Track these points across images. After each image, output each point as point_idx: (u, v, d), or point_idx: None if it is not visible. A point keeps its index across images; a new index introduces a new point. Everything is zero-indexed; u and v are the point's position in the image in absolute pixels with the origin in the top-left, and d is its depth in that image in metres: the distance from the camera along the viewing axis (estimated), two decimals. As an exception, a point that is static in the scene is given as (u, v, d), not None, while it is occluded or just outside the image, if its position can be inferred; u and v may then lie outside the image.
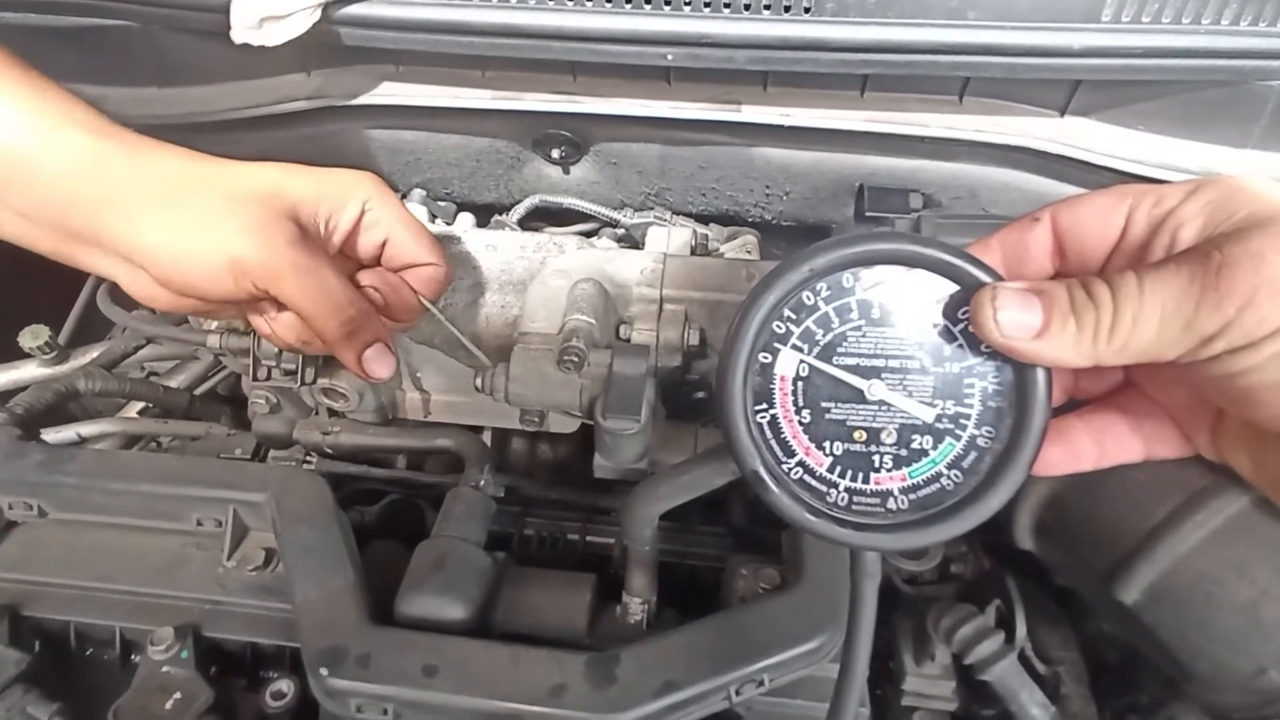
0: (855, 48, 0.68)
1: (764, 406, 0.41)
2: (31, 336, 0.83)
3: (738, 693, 0.54)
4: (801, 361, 0.41)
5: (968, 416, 0.40)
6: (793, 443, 0.41)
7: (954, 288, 0.39)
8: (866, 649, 0.44)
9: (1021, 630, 0.58)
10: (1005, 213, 0.80)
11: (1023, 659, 0.60)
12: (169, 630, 0.60)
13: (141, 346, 0.85)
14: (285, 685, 0.59)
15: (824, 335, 0.41)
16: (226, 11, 0.69)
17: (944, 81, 0.73)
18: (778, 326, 0.40)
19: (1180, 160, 0.73)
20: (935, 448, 0.40)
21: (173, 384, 0.89)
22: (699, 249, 0.77)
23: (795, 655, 0.55)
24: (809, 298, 0.40)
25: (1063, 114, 0.74)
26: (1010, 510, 0.57)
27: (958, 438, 0.40)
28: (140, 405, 0.93)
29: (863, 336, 0.41)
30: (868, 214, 0.75)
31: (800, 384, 0.41)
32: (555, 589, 0.64)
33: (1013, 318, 0.36)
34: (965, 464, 0.40)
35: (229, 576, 0.64)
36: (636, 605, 0.63)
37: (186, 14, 0.71)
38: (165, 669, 0.59)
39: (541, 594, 0.63)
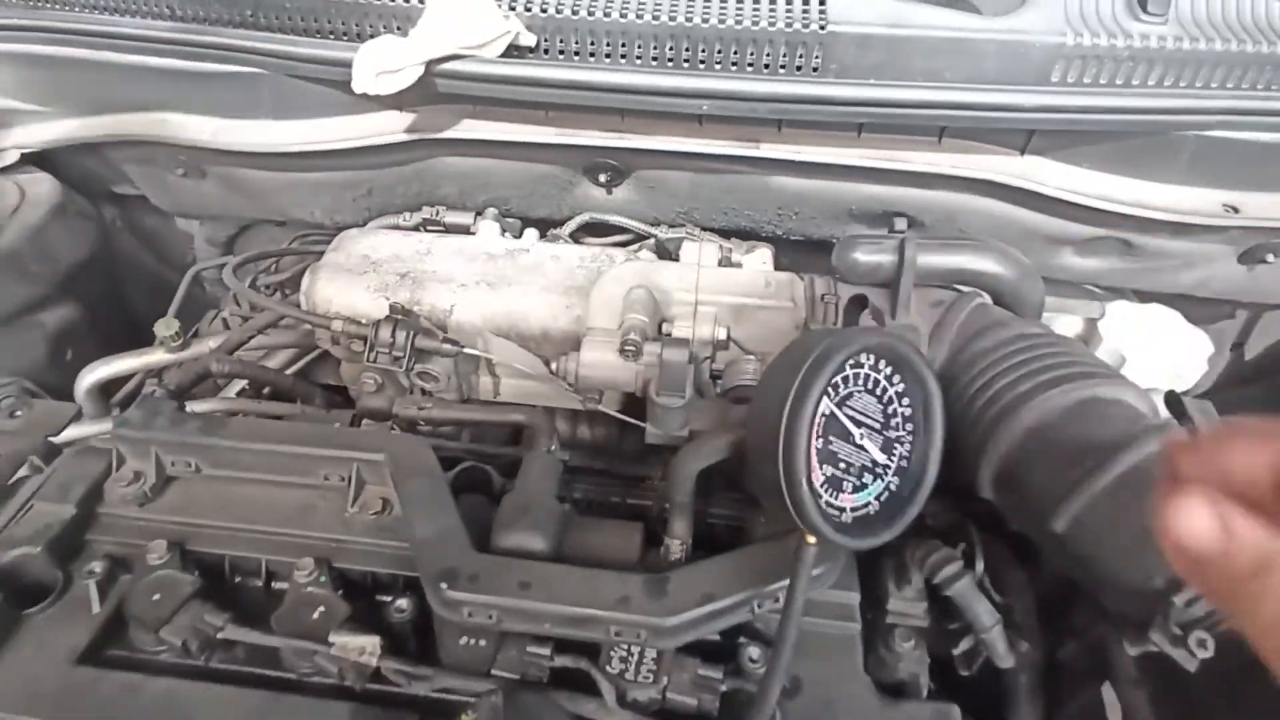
0: (852, 102, 0.85)
1: None
2: (165, 327, 1.00)
3: (759, 606, 0.71)
4: (829, 405, 0.60)
5: (891, 468, 0.63)
6: (811, 468, 0.60)
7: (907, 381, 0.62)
8: (800, 606, 0.63)
9: (979, 564, 0.75)
10: (977, 233, 0.97)
11: (983, 591, 0.77)
12: (310, 560, 0.76)
13: (252, 337, 1.01)
14: (404, 603, 0.75)
15: (843, 389, 0.64)
16: (349, 65, 0.85)
17: (925, 128, 0.90)
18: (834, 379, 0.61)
19: (1116, 193, 0.90)
20: (873, 484, 0.66)
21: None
22: (724, 260, 0.94)
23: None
24: (849, 366, 0.62)
25: (1022, 153, 0.91)
26: (975, 469, 0.74)
27: (881, 480, 0.64)
28: (239, 386, 1.10)
29: (859, 399, 0.65)
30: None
31: (823, 419, 0.63)
32: (612, 532, 0.80)
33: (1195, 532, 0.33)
34: (885, 497, 0.65)
35: (353, 521, 0.80)
36: (676, 546, 0.80)
37: (318, 67, 0.88)
38: (309, 589, 0.76)
39: (601, 536, 0.80)
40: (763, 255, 0.96)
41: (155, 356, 1.03)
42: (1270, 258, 0.98)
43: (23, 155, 1.13)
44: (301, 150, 0.99)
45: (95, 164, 1.18)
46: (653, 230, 1.04)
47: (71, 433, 0.89)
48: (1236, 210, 0.89)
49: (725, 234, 1.05)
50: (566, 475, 0.96)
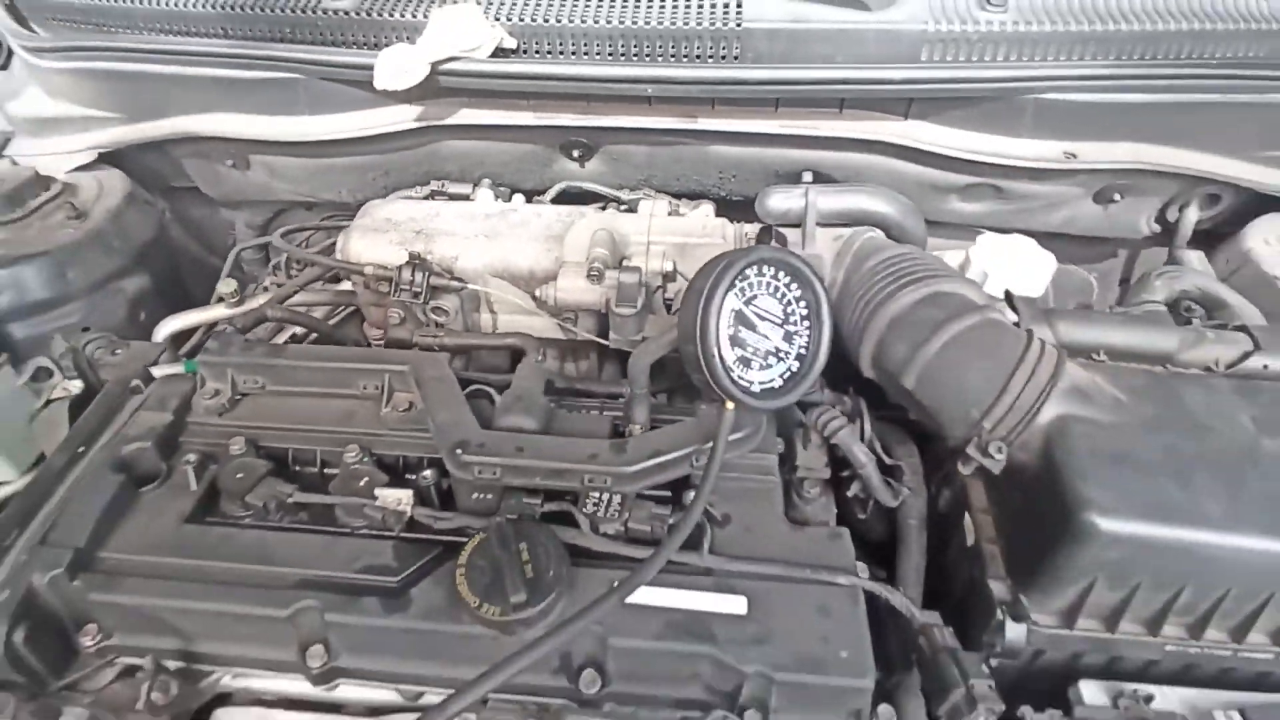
0: (767, 82, 1.08)
1: None
2: (225, 285, 1.23)
3: (696, 460, 0.93)
4: (737, 302, 0.83)
5: (791, 353, 0.84)
6: (722, 348, 0.82)
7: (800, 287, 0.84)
8: (721, 451, 0.84)
9: (866, 425, 0.97)
10: (873, 182, 1.20)
11: (874, 454, 1.00)
12: (355, 446, 0.99)
13: (300, 289, 1.25)
14: (428, 473, 0.98)
15: (749, 292, 0.84)
16: (371, 69, 1.09)
17: (827, 100, 1.13)
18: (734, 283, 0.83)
19: (979, 146, 1.13)
20: (777, 365, 0.88)
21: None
22: (672, 213, 1.17)
23: (733, 439, 0.94)
24: (749, 271, 0.82)
25: (905, 118, 1.15)
26: (858, 355, 0.97)
27: (784, 362, 0.84)
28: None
29: (763, 299, 0.86)
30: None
31: (732, 313, 0.84)
32: (586, 420, 1.03)
33: None
34: (787, 375, 0.86)
35: (386, 418, 1.03)
36: (636, 429, 1.02)
37: (345, 71, 1.12)
38: (355, 467, 0.98)
39: (578, 423, 1.03)
40: (705, 209, 1.20)
41: (218, 310, 1.26)
42: (1117, 196, 1.22)
43: (99, 155, 1.37)
44: (331, 139, 1.23)
45: (155, 161, 1.42)
46: (618, 194, 1.27)
47: (164, 365, 1.12)
48: (1075, 156, 1.12)
49: (678, 196, 1.29)
50: (553, 396, 1.19)
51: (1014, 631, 0.82)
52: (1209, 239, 1.29)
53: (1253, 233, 1.18)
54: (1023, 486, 0.83)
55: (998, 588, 0.85)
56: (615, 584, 0.78)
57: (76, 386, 1.23)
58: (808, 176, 1.13)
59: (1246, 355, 0.91)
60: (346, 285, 1.31)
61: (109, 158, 1.39)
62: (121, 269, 1.30)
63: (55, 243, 1.23)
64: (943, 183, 1.20)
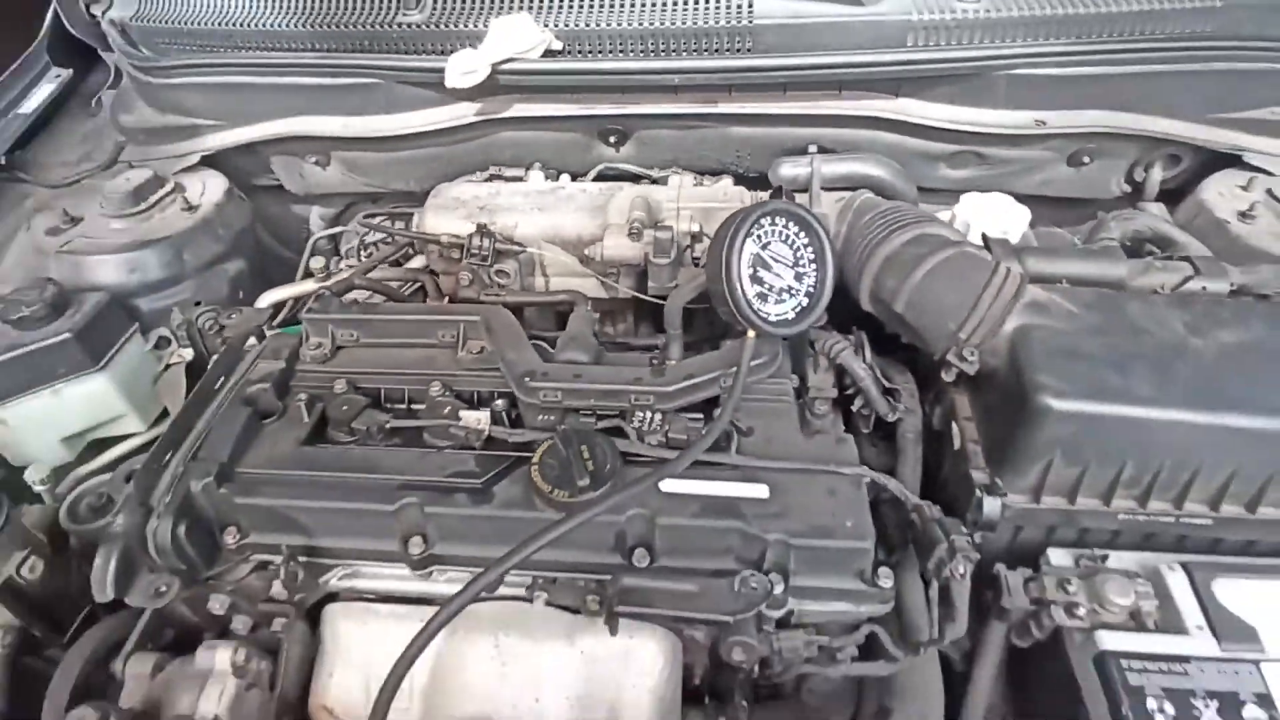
0: (777, 69, 1.27)
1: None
2: (316, 262, 1.45)
3: (723, 383, 1.12)
4: (755, 247, 1.01)
5: (801, 290, 1.00)
6: (744, 284, 1.00)
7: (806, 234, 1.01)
8: (745, 372, 1.03)
9: (866, 351, 1.15)
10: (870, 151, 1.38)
11: (876, 380, 1.17)
12: (438, 383, 1.19)
13: (383, 261, 1.46)
14: (499, 403, 1.18)
15: (764, 239, 1.01)
16: (440, 71, 1.30)
17: (828, 83, 1.32)
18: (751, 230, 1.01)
19: (960, 118, 1.31)
20: (789, 300, 1.03)
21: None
22: (696, 185, 1.37)
23: (754, 365, 1.12)
24: (764, 220, 1.00)
25: (895, 97, 1.33)
26: (858, 291, 1.15)
27: (795, 297, 1.00)
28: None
29: (776, 246, 1.02)
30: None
31: (751, 255, 1.01)
32: (629, 358, 1.22)
33: None
34: (798, 309, 1.01)
35: (462, 361, 1.23)
36: (671, 364, 1.21)
37: (418, 74, 1.33)
38: (438, 399, 1.18)
39: (623, 360, 1.22)
40: (725, 182, 1.39)
41: (309, 285, 1.48)
42: (1087, 159, 1.39)
43: (201, 158, 1.59)
44: (403, 134, 1.44)
45: (245, 162, 1.64)
46: (650, 173, 1.47)
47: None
48: (1044, 123, 1.30)
49: (701, 174, 1.48)
50: (598, 348, 1.39)
51: (990, 506, 0.99)
52: (1175, 197, 1.45)
53: (1208, 186, 1.35)
54: (994, 386, 1.01)
55: (978, 475, 1.02)
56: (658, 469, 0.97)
57: (189, 354, 1.45)
58: (814, 148, 1.32)
59: (1187, 279, 1.08)
60: (413, 264, 1.52)
61: (207, 160, 1.61)
62: (224, 253, 1.52)
63: (173, 230, 1.45)
64: (931, 152, 1.38)
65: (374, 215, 1.58)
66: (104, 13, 1.59)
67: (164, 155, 1.59)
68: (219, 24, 1.49)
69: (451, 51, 1.33)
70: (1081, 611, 0.91)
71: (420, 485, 1.06)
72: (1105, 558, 0.97)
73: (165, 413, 1.43)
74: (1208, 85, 1.29)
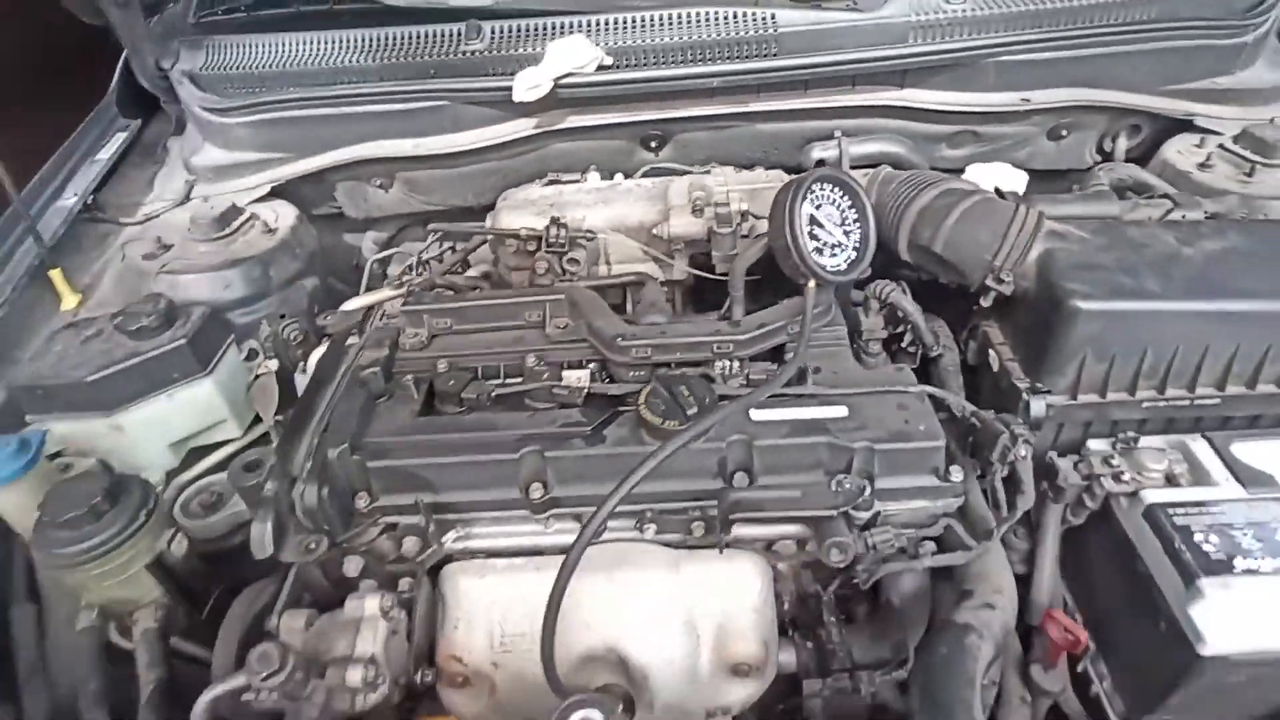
0: (799, 68, 1.48)
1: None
2: (395, 267, 1.59)
3: (791, 329, 1.28)
4: (810, 209, 1.19)
5: (848, 245, 1.19)
6: (804, 240, 1.18)
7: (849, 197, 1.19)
8: (810, 319, 1.19)
9: (908, 294, 1.33)
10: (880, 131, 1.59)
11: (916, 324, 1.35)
12: (532, 355, 1.33)
13: (463, 258, 1.60)
14: (592, 366, 1.31)
15: (816, 201, 1.19)
16: (505, 90, 1.48)
17: (842, 78, 1.53)
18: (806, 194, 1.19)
19: (957, 100, 1.53)
20: (841, 254, 1.21)
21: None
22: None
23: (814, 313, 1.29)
24: (815, 186, 1.19)
25: (901, 87, 1.55)
26: (896, 245, 1.33)
27: (845, 250, 1.19)
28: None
29: (825, 208, 1.20)
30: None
31: (808, 216, 1.19)
32: (698, 318, 1.38)
33: None
34: (849, 260, 1.20)
35: (550, 336, 1.37)
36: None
37: (484, 94, 1.50)
38: (535, 368, 1.32)
39: (695, 320, 1.37)
40: (762, 170, 1.58)
41: (385, 292, 1.61)
42: (1065, 133, 1.62)
43: (272, 189, 1.73)
44: (466, 149, 1.61)
45: (310, 191, 1.79)
46: (691, 169, 1.65)
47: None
48: (1028, 100, 1.52)
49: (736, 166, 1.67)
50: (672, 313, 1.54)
51: (1037, 406, 1.16)
52: (1139, 164, 1.68)
53: (1168, 147, 1.58)
54: (1026, 304, 1.19)
55: (1021, 383, 1.20)
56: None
57: (274, 364, 1.57)
58: (838, 133, 1.52)
59: (1169, 211, 1.29)
60: (471, 272, 1.67)
61: (274, 191, 1.75)
62: (302, 270, 1.65)
63: (257, 250, 1.58)
64: (933, 133, 1.59)
65: (441, 227, 1.73)
66: (173, 65, 1.74)
67: (236, 189, 1.73)
68: (287, 67, 1.66)
69: (510, 74, 1.51)
70: (1126, 477, 1.07)
71: (537, 436, 1.19)
72: (1137, 440, 1.14)
73: (258, 419, 1.53)
74: (1158, 62, 1.53)
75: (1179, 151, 1.56)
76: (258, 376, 1.58)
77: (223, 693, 1.00)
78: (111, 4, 1.61)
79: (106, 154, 1.74)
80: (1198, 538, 0.99)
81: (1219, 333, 1.11)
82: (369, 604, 1.13)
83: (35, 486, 1.20)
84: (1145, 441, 1.15)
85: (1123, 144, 1.64)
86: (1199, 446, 1.10)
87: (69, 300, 1.49)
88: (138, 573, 1.13)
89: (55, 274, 1.47)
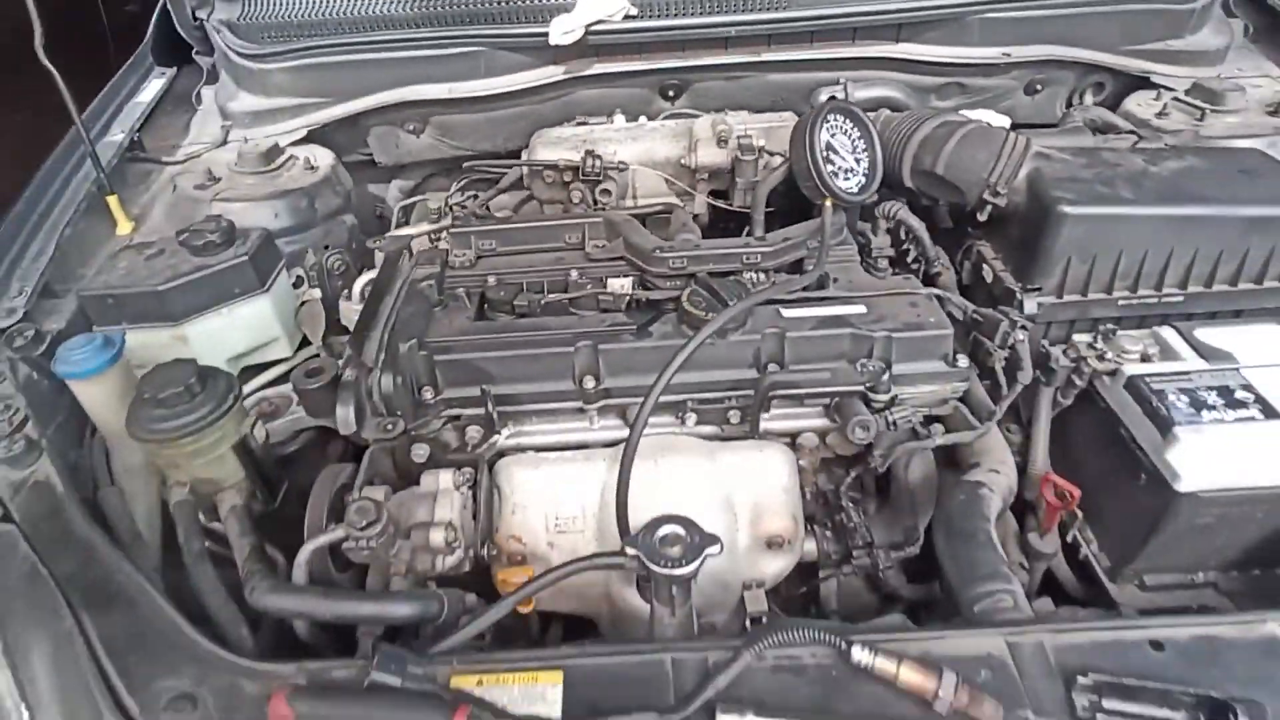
0: (807, 18, 1.64)
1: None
2: (433, 203, 1.69)
3: (810, 244, 1.43)
4: (826, 136, 1.35)
5: (859, 170, 1.36)
6: (822, 163, 1.34)
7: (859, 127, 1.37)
8: (829, 233, 1.36)
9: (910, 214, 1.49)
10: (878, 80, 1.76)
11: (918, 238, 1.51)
12: (574, 270, 1.45)
13: (505, 190, 1.71)
14: (633, 277, 1.45)
15: (831, 128, 1.36)
16: (539, 36, 1.61)
17: (844, 30, 1.70)
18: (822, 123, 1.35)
19: (946, 55, 1.71)
20: (854, 177, 1.39)
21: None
22: (750, 119, 1.71)
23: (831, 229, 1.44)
24: (830, 116, 1.35)
25: (897, 41, 1.72)
26: (900, 171, 1.50)
27: (856, 175, 1.36)
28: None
29: (838, 137, 1.38)
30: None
31: (824, 142, 1.35)
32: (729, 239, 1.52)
33: None
34: (860, 183, 1.37)
35: (588, 254, 1.49)
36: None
37: (519, 40, 1.63)
38: (579, 280, 1.44)
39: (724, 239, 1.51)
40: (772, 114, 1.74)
41: (424, 226, 1.72)
42: (1039, 87, 1.81)
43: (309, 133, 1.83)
44: (497, 93, 1.73)
45: (342, 136, 1.88)
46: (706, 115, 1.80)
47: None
48: (1009, 55, 1.70)
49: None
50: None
51: (1030, 303, 1.33)
52: (1103, 120, 1.89)
53: (1128, 102, 1.77)
54: (1017, 218, 1.36)
55: (1014, 285, 1.36)
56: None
57: (316, 294, 1.66)
58: (843, 78, 1.69)
59: (1136, 143, 1.47)
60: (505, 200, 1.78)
61: (309, 136, 1.85)
62: (342, 206, 1.75)
63: (301, 184, 1.68)
64: (925, 85, 1.77)
65: (473, 169, 1.84)
66: (209, 15, 1.82)
67: (272, 133, 1.82)
68: (324, 14, 1.76)
69: (542, 22, 1.64)
70: (1109, 357, 1.24)
71: (589, 333, 1.31)
72: (1115, 330, 1.31)
73: (306, 341, 1.62)
74: (1120, 23, 1.74)
75: (1139, 104, 1.76)
76: (304, 303, 1.67)
77: (324, 543, 1.10)
78: (155, -47, 1.70)
79: (145, 98, 1.81)
80: (1171, 398, 1.16)
81: (1181, 237, 1.29)
82: (444, 478, 1.25)
83: (116, 382, 1.28)
84: (1123, 332, 1.33)
85: (1089, 99, 1.84)
86: (1167, 333, 1.28)
87: (124, 225, 1.57)
88: (224, 454, 1.22)
89: (113, 200, 1.54)
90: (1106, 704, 0.83)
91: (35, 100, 1.56)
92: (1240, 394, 1.16)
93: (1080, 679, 0.85)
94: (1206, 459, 1.10)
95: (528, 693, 0.90)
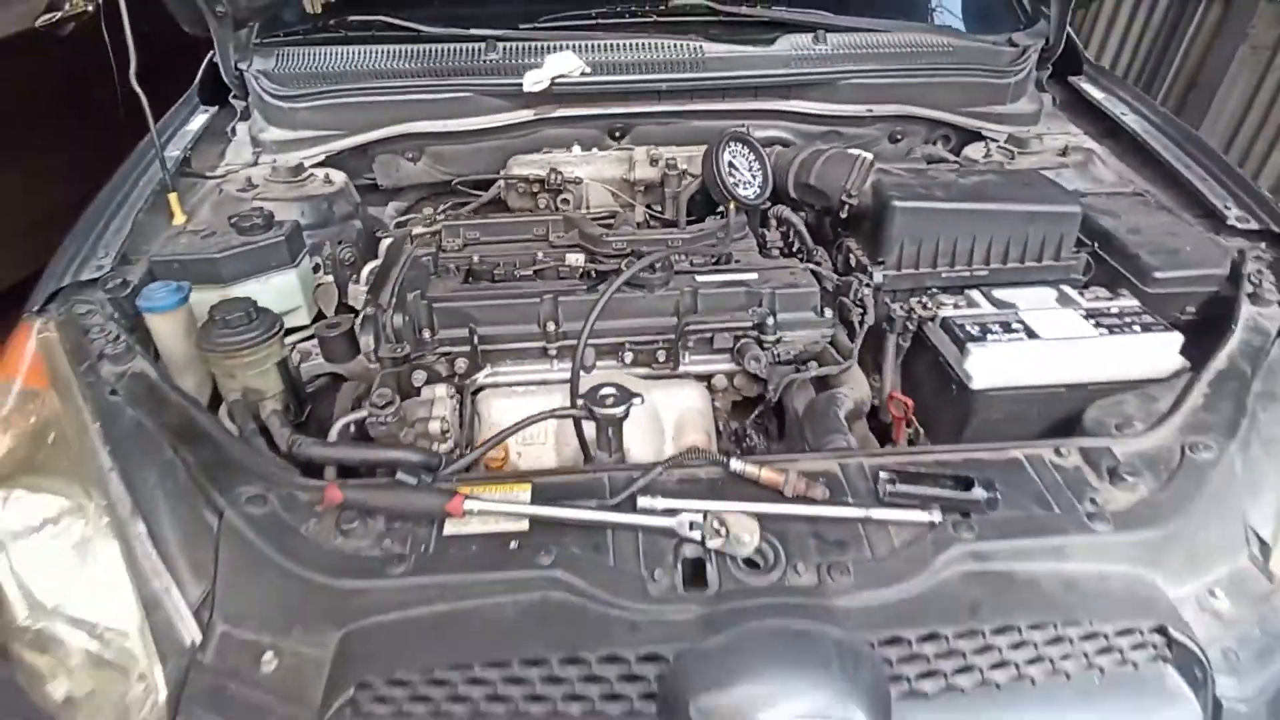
0: (719, 78, 2.18)
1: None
2: (428, 211, 2.14)
3: (718, 236, 1.90)
4: (730, 156, 1.88)
5: (756, 181, 1.86)
6: (726, 175, 1.85)
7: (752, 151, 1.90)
8: (732, 220, 1.85)
9: (795, 215, 1.99)
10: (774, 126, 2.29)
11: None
12: (540, 252, 1.90)
13: (485, 203, 2.17)
14: (585, 255, 1.89)
15: (733, 151, 1.89)
16: (518, 85, 2.11)
17: (747, 89, 2.23)
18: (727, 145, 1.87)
19: (824, 110, 2.25)
20: (750, 187, 1.93)
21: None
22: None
23: (734, 225, 1.92)
24: (731, 142, 1.88)
25: (788, 99, 2.27)
26: (786, 185, 2.00)
27: (752, 186, 1.87)
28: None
29: (739, 158, 1.91)
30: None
31: (727, 160, 1.88)
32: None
33: None
34: (754, 192, 1.88)
35: (551, 243, 1.94)
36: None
37: (500, 87, 2.13)
38: (544, 259, 1.88)
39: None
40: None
41: (420, 228, 2.16)
42: (899, 137, 2.37)
43: (325, 158, 2.27)
44: (484, 128, 2.21)
45: (352, 162, 2.33)
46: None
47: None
48: (872, 110, 2.26)
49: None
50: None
51: (878, 274, 1.81)
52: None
53: (967, 149, 2.34)
54: (866, 215, 1.86)
55: (866, 261, 1.85)
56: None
57: (329, 279, 2.08)
58: (746, 125, 2.21)
59: (956, 169, 2.01)
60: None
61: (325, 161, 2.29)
62: (352, 213, 2.18)
63: (324, 191, 2.11)
64: (810, 132, 2.31)
65: (458, 190, 2.30)
66: (249, 67, 2.29)
67: (296, 159, 2.26)
68: (344, 67, 2.24)
69: (518, 76, 2.15)
70: (930, 307, 1.72)
71: (552, 290, 1.75)
72: (937, 292, 1.80)
73: (320, 315, 2.02)
74: (957, 91, 2.32)
75: (972, 150, 2.32)
76: (319, 285, 2.08)
77: (352, 419, 1.48)
78: (212, 17, 2.17)
79: (192, 127, 2.25)
80: (969, 329, 1.63)
81: (980, 226, 1.80)
82: (439, 389, 1.65)
83: (182, 320, 1.66)
84: (941, 294, 1.81)
85: (939, 147, 2.40)
86: (974, 293, 1.77)
87: (179, 218, 1.97)
88: (269, 369, 1.60)
89: (173, 196, 1.95)
90: (899, 487, 1.26)
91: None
92: (1015, 326, 1.64)
93: (882, 474, 1.28)
94: (990, 365, 1.57)
95: (506, 495, 1.29)
